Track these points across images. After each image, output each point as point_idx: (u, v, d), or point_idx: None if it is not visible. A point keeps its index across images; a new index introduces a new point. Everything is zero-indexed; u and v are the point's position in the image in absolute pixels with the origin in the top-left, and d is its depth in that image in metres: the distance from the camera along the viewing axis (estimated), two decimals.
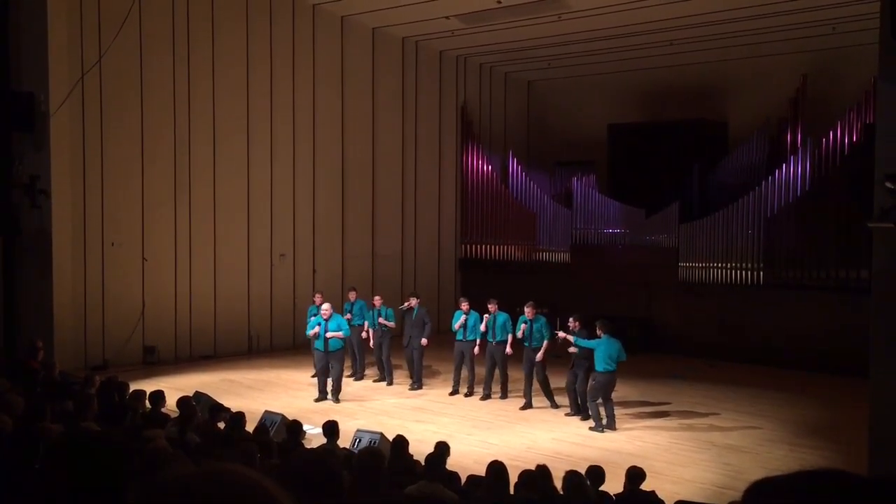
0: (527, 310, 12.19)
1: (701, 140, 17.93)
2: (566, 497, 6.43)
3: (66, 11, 13.99)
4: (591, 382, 11.08)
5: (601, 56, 18.61)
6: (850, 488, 1.22)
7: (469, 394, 12.90)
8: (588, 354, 11.23)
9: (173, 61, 15.31)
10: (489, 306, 12.73)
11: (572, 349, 11.33)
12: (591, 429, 10.98)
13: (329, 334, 12.32)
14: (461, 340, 12.88)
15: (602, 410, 11.06)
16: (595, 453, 9.60)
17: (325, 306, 12.56)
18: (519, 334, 12.23)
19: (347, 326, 12.94)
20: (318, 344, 12.47)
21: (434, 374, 14.16)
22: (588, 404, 11.21)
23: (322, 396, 12.49)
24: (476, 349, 12.78)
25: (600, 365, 10.94)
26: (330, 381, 12.50)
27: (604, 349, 10.97)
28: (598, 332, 11.09)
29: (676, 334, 16.53)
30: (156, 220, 15.27)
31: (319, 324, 12.42)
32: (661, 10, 15.36)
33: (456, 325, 12.93)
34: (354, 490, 4.58)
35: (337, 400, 12.39)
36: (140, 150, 15.02)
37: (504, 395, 12.63)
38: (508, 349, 12.48)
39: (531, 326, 12.10)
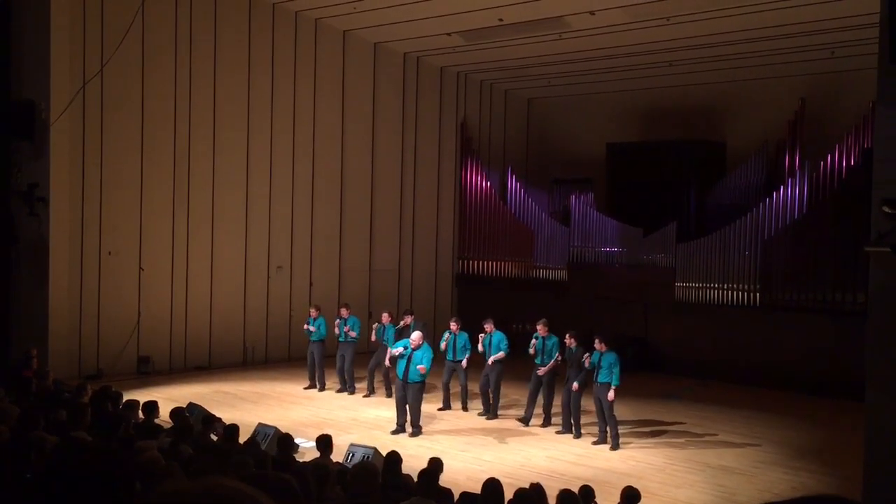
0: (539, 327, 12.15)
1: (699, 161, 17.97)
2: None
3: (68, 21, 14.04)
4: (613, 395, 10.92)
5: (601, 75, 18.68)
6: None
7: (464, 409, 12.95)
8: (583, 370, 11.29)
9: (175, 72, 15.35)
10: (485, 326, 12.70)
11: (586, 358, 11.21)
12: (594, 443, 11.10)
13: (420, 367, 11.19)
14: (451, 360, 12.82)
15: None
16: (589, 472, 9.58)
17: (416, 335, 11.28)
18: (531, 350, 12.09)
19: (429, 361, 11.36)
20: (399, 371, 11.35)
21: (429, 388, 14.12)
22: (575, 413, 11.39)
23: (399, 429, 11.38)
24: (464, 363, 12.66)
25: (617, 379, 10.91)
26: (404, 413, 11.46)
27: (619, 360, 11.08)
28: (600, 346, 11.05)
29: (672, 354, 16.51)
30: (153, 229, 15.28)
31: (406, 347, 11.20)
32: (661, 31, 15.45)
33: (442, 346, 12.82)
34: None
35: (416, 433, 11.29)
36: (139, 160, 15.04)
37: (494, 415, 12.52)
38: (491, 360, 12.34)
39: (543, 344, 12.06)
